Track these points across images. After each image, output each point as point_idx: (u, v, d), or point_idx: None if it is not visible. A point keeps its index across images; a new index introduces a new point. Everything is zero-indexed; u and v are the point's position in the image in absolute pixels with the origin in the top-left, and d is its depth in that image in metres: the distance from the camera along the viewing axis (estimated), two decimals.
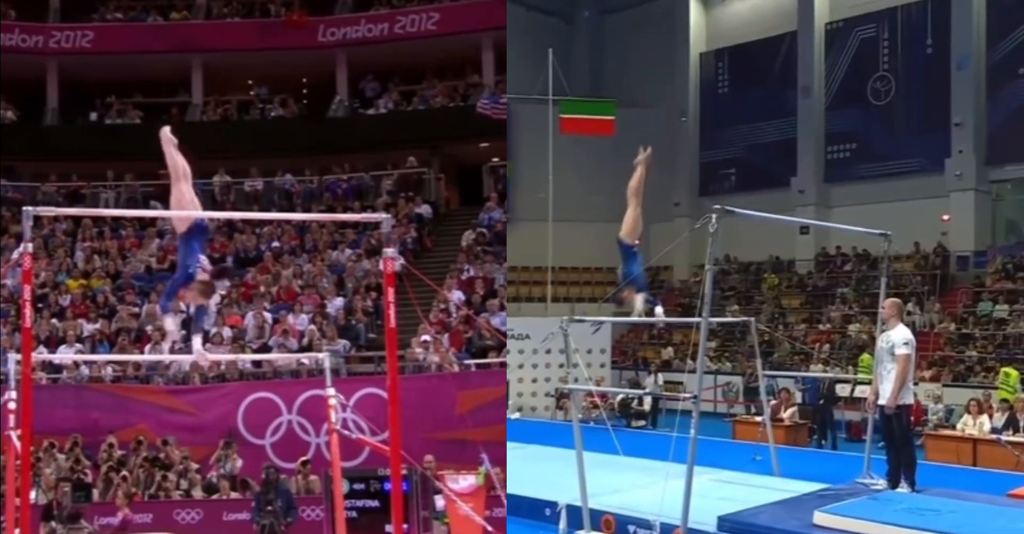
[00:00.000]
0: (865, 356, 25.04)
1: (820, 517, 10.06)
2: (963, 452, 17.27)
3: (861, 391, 22.41)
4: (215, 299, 20.54)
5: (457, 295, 19.78)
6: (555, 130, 30.15)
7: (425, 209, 23.78)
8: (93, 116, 27.12)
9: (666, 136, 37.94)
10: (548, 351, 24.90)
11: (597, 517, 11.37)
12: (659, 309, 13.07)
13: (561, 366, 25.30)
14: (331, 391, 11.85)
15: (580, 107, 31.90)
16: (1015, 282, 27.92)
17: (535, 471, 14.34)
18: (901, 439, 11.62)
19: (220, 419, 17.44)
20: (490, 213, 22.97)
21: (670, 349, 32.04)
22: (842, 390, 22.59)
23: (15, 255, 20.08)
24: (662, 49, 39.47)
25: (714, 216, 10.13)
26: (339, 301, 20.46)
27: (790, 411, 19.50)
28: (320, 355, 14.38)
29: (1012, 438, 16.77)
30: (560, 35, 38.49)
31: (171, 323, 10.07)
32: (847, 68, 34.27)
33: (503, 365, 17.62)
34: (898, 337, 11.44)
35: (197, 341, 9.64)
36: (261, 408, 17.49)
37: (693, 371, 29.35)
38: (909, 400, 11.66)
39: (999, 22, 30.55)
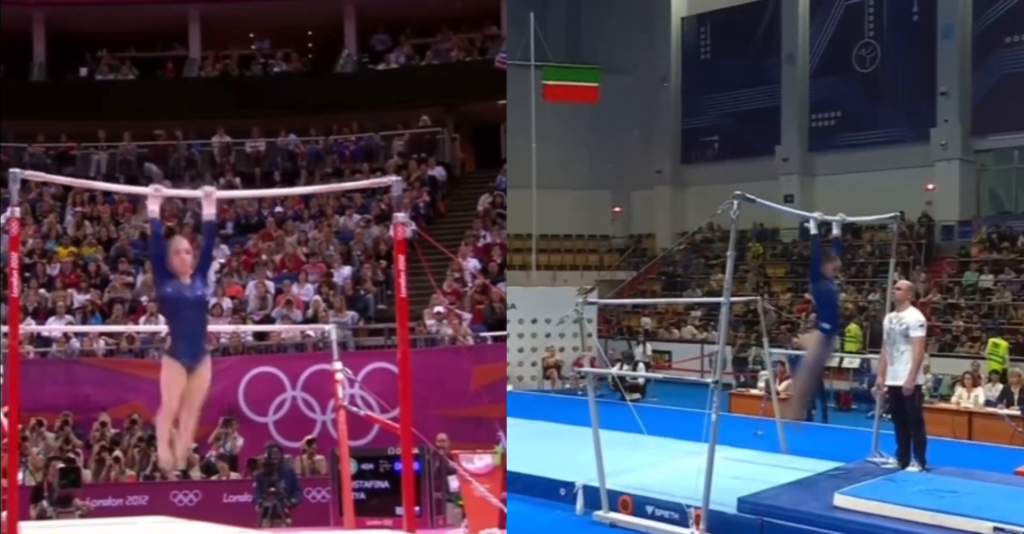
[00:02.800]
0: (852, 326, 25.86)
1: (840, 499, 10.45)
2: (958, 425, 18.24)
3: (849, 361, 23.67)
4: (214, 265, 20.75)
5: (473, 263, 19.79)
6: (537, 96, 30.99)
7: (439, 171, 23.77)
8: (83, 71, 27.13)
9: (647, 103, 40.16)
10: (534, 320, 25.88)
11: (614, 498, 11.60)
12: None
13: (548, 336, 25.78)
14: (338, 365, 11.94)
15: (563, 73, 33.22)
16: (1000, 252, 28.70)
17: (539, 449, 14.46)
18: (915, 419, 12.16)
19: (220, 395, 17.28)
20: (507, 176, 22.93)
21: (647, 319, 32.71)
22: (830, 360, 23.22)
23: (1, 220, 20.17)
24: (642, 14, 40.25)
25: (736, 202, 10.36)
26: (346, 270, 20.53)
27: (785, 384, 19.73)
28: (326, 327, 14.50)
29: (1009, 411, 17.74)
30: None
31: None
32: (832, 35, 35.21)
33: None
34: (913, 319, 11.97)
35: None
36: (263, 383, 17.54)
37: (679, 340, 29.95)
38: (920, 380, 12.20)
39: None
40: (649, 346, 28.49)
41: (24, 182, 9.38)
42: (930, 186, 31.61)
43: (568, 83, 32.77)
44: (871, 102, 33.87)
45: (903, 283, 12.70)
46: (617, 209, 40.97)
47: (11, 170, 8.95)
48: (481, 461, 12.72)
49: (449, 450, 14.05)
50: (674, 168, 39.86)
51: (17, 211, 8.89)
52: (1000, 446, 16.82)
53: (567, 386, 26.22)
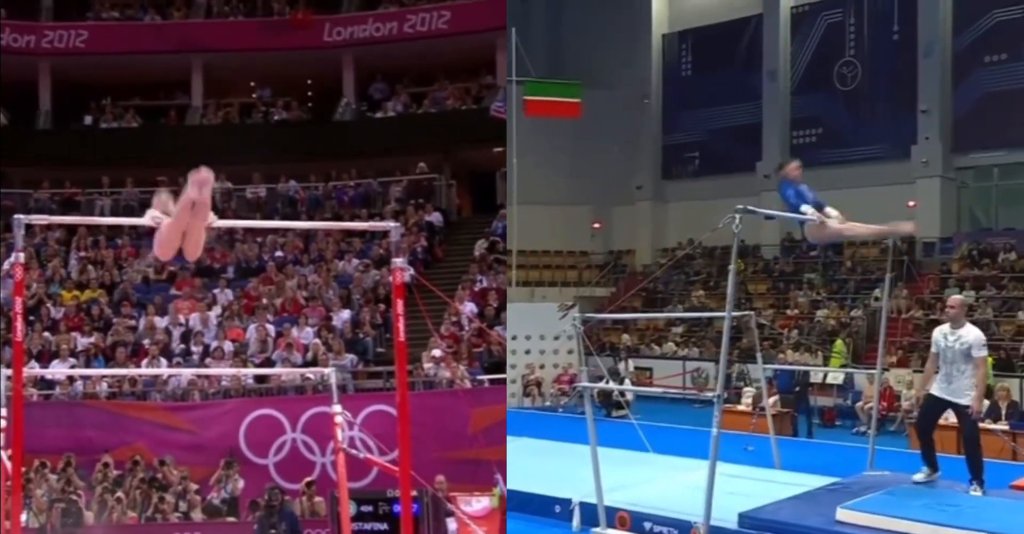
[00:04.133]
0: (838, 342, 26.11)
1: (843, 513, 10.34)
2: (947, 440, 17.64)
3: (833, 377, 24.00)
4: (215, 309, 20.59)
5: (470, 307, 19.69)
6: (517, 111, 30.39)
7: (436, 217, 23.64)
8: (88, 120, 26.99)
9: (628, 118, 39.49)
10: (514, 337, 25.27)
11: (611, 514, 11.48)
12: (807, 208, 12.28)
13: (528, 352, 25.65)
14: (337, 408, 11.78)
15: (545, 89, 32.59)
16: (981, 269, 28.79)
17: (532, 465, 14.35)
18: (973, 440, 11.73)
19: (221, 437, 17.33)
20: (504, 221, 22.90)
21: (626, 336, 32.48)
22: (815, 376, 23.56)
23: (6, 265, 20.04)
24: (623, 30, 39.85)
25: (737, 216, 10.18)
26: (346, 313, 20.37)
27: (773, 399, 19.59)
28: (326, 370, 14.34)
29: (997, 426, 17.54)
30: (516, 13, 37.13)
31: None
32: (813, 53, 35.18)
33: None
34: (974, 338, 11.43)
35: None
36: (264, 426, 17.37)
37: (660, 357, 29.66)
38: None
39: (965, 9, 31.55)
40: (631, 362, 28.29)
41: (29, 227, 9.29)
42: (911, 203, 31.27)
43: (550, 98, 32.26)
44: (852, 119, 33.89)
45: (956, 298, 12.33)
46: (597, 225, 40.21)
47: (15, 216, 8.87)
48: (479, 503, 12.63)
49: (447, 492, 13.92)
50: (655, 184, 39.67)
51: (21, 256, 8.82)
52: (991, 461, 16.59)
53: (547, 403, 26.02)
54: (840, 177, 32.11)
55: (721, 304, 30.17)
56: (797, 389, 21.95)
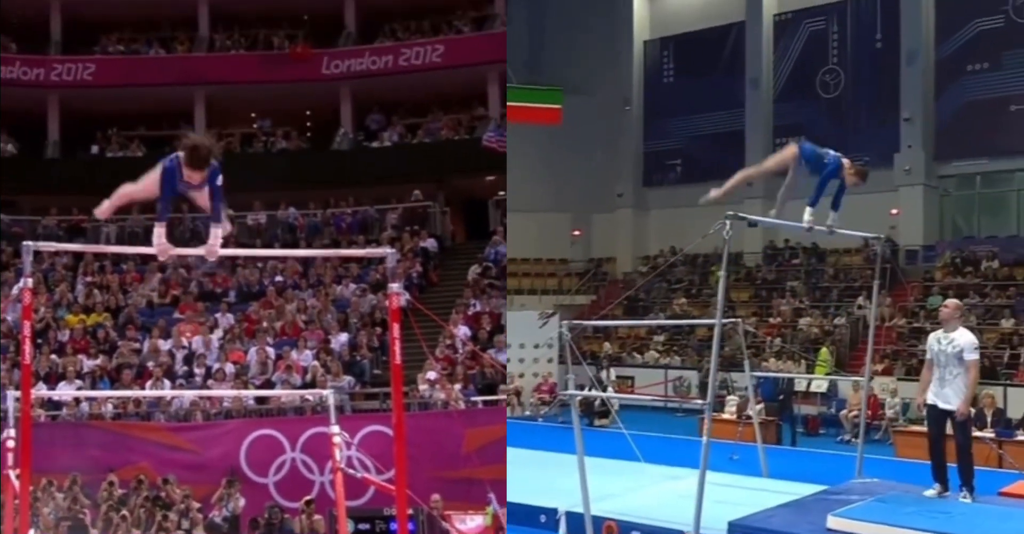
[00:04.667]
0: (823, 350, 25.65)
1: (833, 521, 10.17)
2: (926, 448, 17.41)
3: (817, 385, 23.56)
4: (217, 332, 20.69)
5: (463, 330, 19.80)
6: None
7: (431, 243, 23.83)
8: (94, 149, 27.30)
9: (609, 125, 38.55)
10: None
11: (598, 523, 11.22)
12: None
13: (508, 361, 25.14)
14: (336, 429, 11.86)
15: (526, 95, 31.73)
16: (963, 277, 28.50)
17: (514, 475, 14.02)
18: (963, 445, 11.48)
19: (222, 457, 17.37)
20: (496, 247, 23.02)
21: (607, 344, 31.97)
22: (798, 385, 23.15)
23: (15, 290, 20.13)
24: (605, 36, 39.10)
25: (728, 223, 10.13)
26: (343, 337, 20.46)
27: (758, 408, 19.28)
28: (324, 392, 14.41)
29: (983, 434, 17.24)
30: None
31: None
32: (796, 60, 34.73)
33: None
34: (966, 341, 11.33)
35: (216, 233, 9.32)
36: (264, 446, 17.41)
37: (642, 365, 28.63)
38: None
39: (947, 18, 31.26)
40: (613, 371, 27.83)
41: (37, 253, 9.38)
42: (894, 211, 31.02)
43: (530, 104, 31.49)
44: (835, 126, 33.30)
45: (951, 302, 12.02)
46: (577, 232, 39.35)
47: (24, 242, 8.97)
48: (473, 521, 12.70)
49: (442, 511, 13.98)
50: (636, 191, 38.76)
51: (30, 282, 8.88)
52: (978, 468, 16.36)
53: (527, 413, 25.82)
54: None
55: (703, 312, 30.03)
56: (781, 397, 21.62)
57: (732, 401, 21.62)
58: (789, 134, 33.21)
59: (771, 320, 30.22)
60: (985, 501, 11.58)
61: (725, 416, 20.94)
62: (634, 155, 38.96)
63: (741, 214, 10.45)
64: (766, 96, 35.34)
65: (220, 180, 8.66)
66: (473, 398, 17.83)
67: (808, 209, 12.05)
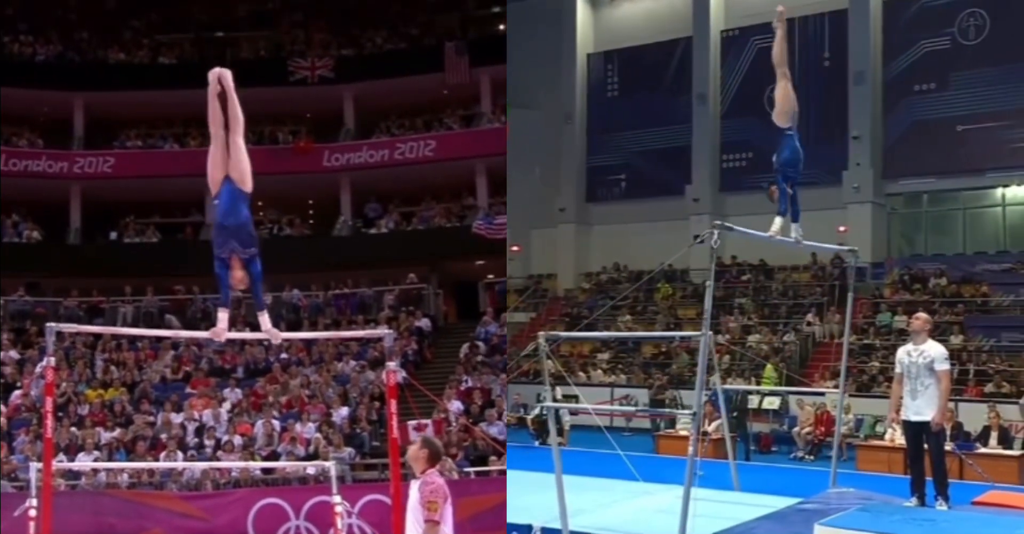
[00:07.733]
0: (768, 367, 24.37)
1: (821, 530, 9.61)
2: (894, 462, 16.69)
3: (769, 402, 22.21)
4: (226, 406, 20.50)
5: (456, 405, 19.63)
6: None
7: (425, 322, 23.77)
8: (113, 235, 27.40)
9: (551, 139, 35.65)
10: None
11: None
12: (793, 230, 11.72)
13: None
14: (337, 497, 11.76)
15: None
16: (912, 293, 27.17)
17: None
18: (937, 455, 11.05)
19: (231, 524, 17.12)
20: (486, 327, 23.01)
21: (550, 362, 29.66)
22: (751, 402, 21.87)
23: (38, 368, 19.97)
24: (547, 49, 35.85)
25: (716, 232, 9.78)
26: (344, 410, 20.29)
27: (715, 424, 18.65)
28: (326, 463, 14.27)
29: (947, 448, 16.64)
30: None
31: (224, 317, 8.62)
32: (744, 76, 32.41)
33: (502, 473, 17.35)
34: (937, 352, 10.96)
35: (264, 319, 8.76)
36: (270, 514, 17.12)
37: (584, 384, 26.65)
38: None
39: (895, 39, 30.01)
40: (559, 390, 26.40)
41: (59, 333, 9.35)
42: (842, 228, 28.46)
43: None
44: None
45: (920, 315, 11.64)
46: (515, 248, 33.33)
47: (47, 324, 8.98)
48: None
49: None
50: (579, 206, 35.14)
51: (52, 360, 8.92)
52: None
53: None
54: (771, 201, 30.87)
55: (651, 328, 28.11)
56: (735, 414, 19.83)
57: (684, 418, 20.18)
58: (736, 150, 32.49)
59: (719, 338, 28.62)
60: (962, 510, 11.14)
61: (682, 433, 19.07)
62: (577, 170, 35.58)
63: (728, 225, 10.09)
64: (713, 112, 32.90)
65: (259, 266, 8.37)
66: (466, 469, 17.59)
67: (778, 220, 11.69)
